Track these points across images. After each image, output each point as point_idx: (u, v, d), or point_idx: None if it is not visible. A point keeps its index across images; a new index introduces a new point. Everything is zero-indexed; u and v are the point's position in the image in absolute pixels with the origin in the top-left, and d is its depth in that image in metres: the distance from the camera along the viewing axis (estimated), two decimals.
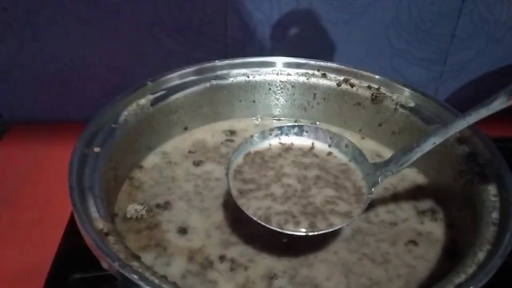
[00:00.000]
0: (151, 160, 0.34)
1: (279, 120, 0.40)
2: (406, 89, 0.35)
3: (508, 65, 0.65)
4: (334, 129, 0.38)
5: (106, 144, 0.29)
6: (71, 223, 0.43)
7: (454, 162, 0.31)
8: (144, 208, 0.30)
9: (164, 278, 0.22)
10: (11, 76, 0.59)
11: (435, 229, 0.30)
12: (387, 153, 0.36)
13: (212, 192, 0.32)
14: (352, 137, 0.38)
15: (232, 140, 0.37)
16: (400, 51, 0.61)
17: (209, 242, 0.28)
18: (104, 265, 0.21)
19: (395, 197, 0.32)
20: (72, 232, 0.37)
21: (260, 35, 0.57)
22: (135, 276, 0.20)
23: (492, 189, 0.27)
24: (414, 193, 0.33)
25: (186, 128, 0.37)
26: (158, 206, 0.30)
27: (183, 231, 0.29)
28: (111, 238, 0.22)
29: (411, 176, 0.35)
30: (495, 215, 0.25)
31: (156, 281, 0.21)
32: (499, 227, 0.24)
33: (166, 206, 0.31)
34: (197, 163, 0.34)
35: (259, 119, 0.40)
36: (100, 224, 0.23)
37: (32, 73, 0.59)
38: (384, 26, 0.59)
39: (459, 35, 0.61)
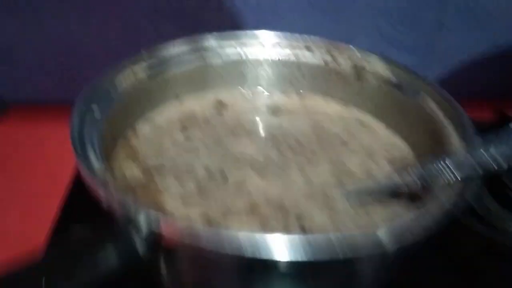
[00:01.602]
0: (144, 124, 0.37)
1: (267, 92, 0.42)
2: (388, 65, 0.38)
3: (494, 52, 0.67)
4: (320, 101, 0.41)
5: (103, 103, 0.31)
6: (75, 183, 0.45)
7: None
8: (138, 168, 0.32)
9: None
10: (11, 58, 0.61)
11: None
12: (368, 119, 0.39)
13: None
14: (336, 105, 0.40)
15: (221, 108, 0.39)
16: (388, 39, 0.63)
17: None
18: (105, 203, 0.23)
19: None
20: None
21: (253, 20, 0.59)
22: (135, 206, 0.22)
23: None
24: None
25: (177, 97, 0.39)
26: (151, 167, 0.33)
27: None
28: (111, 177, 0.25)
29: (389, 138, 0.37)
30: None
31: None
32: None
33: (158, 168, 0.33)
34: (184, 130, 0.36)
35: (248, 92, 0.42)
36: (101, 166, 0.25)
37: (31, 55, 0.61)
38: (372, 13, 0.61)
39: (446, 22, 0.63)
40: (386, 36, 0.62)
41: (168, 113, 0.38)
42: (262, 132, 0.38)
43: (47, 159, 0.54)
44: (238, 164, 0.33)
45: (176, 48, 0.38)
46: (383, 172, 0.34)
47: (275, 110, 0.40)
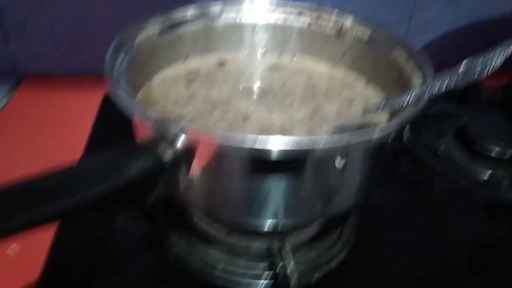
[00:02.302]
0: (158, 78, 0.43)
1: (264, 54, 0.48)
2: (362, 23, 0.44)
3: (466, 25, 0.74)
4: (308, 61, 0.48)
5: (126, 57, 0.37)
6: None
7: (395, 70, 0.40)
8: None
9: None
10: (26, 31, 0.66)
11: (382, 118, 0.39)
12: (351, 76, 0.46)
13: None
14: (324, 66, 0.47)
15: (223, 66, 0.46)
16: (368, 11, 0.69)
17: None
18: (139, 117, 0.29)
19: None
20: None
21: None
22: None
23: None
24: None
25: (186, 57, 0.46)
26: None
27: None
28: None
29: (366, 91, 0.44)
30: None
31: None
32: None
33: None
34: (188, 81, 0.43)
35: (246, 53, 0.48)
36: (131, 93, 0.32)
37: (44, 28, 0.66)
38: None
39: None
40: (366, 8, 0.68)
41: (176, 69, 0.44)
42: (258, 81, 0.45)
43: (60, 123, 0.60)
44: (233, 98, 0.40)
45: (185, 13, 0.44)
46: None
47: (272, 68, 0.47)
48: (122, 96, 0.31)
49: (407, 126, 0.50)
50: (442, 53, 0.74)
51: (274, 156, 0.28)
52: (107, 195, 0.27)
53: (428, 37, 0.74)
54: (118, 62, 0.36)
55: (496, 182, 0.48)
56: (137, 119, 0.30)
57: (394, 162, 0.50)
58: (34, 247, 0.40)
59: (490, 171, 0.51)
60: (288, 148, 0.28)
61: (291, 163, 0.30)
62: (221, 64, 0.46)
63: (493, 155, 0.51)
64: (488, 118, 0.56)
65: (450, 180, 0.50)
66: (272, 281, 0.38)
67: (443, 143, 0.55)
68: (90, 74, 0.69)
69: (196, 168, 0.31)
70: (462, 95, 0.62)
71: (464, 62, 0.32)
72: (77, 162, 0.28)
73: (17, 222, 0.24)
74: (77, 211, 0.27)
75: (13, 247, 0.42)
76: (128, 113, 0.30)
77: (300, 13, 0.47)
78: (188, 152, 0.30)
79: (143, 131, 0.33)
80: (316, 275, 0.39)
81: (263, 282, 0.38)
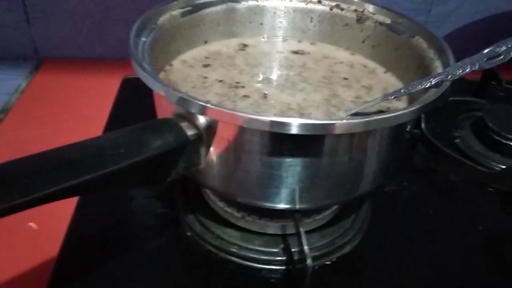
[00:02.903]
0: (178, 61, 0.43)
1: (284, 39, 0.49)
2: (383, 9, 0.44)
3: (486, 17, 0.73)
4: (328, 47, 0.48)
5: (149, 38, 0.38)
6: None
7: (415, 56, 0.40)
8: None
9: None
10: (47, 15, 0.67)
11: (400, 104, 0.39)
12: (371, 64, 0.46)
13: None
14: (343, 52, 0.47)
15: (244, 50, 0.46)
16: (389, 2, 0.69)
17: None
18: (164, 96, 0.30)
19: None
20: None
21: None
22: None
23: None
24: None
25: (206, 42, 0.46)
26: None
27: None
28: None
29: (385, 78, 0.44)
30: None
31: None
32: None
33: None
34: (206, 66, 0.43)
35: (266, 38, 0.48)
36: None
37: (65, 13, 0.67)
38: None
39: None
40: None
41: (198, 51, 0.45)
42: (277, 66, 0.46)
43: (80, 105, 0.61)
44: (252, 82, 0.41)
45: None
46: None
47: (292, 53, 0.47)
48: (148, 74, 0.31)
49: (424, 115, 0.50)
50: (462, 45, 0.73)
51: (293, 138, 0.28)
52: (132, 169, 0.27)
53: (447, 28, 0.73)
54: (141, 42, 0.37)
55: None
56: (161, 96, 0.31)
57: (411, 150, 0.50)
58: (54, 224, 0.41)
59: (506, 161, 0.51)
60: (307, 130, 0.28)
61: (309, 146, 0.31)
62: (242, 48, 0.47)
63: (510, 145, 0.51)
64: (505, 109, 0.55)
65: (466, 170, 0.50)
66: (287, 259, 0.39)
67: (460, 133, 0.55)
68: (109, 58, 0.70)
69: (217, 146, 0.31)
70: (480, 87, 0.61)
71: (488, 48, 0.31)
72: (103, 135, 0.28)
73: (40, 192, 0.24)
74: (101, 185, 0.28)
75: (32, 224, 0.43)
76: (154, 90, 0.31)
77: (319, 1, 0.47)
78: (210, 130, 0.30)
79: (166, 108, 0.33)
80: (330, 259, 0.40)
81: (279, 259, 0.39)
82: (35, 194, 0.23)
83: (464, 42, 0.74)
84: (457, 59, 0.36)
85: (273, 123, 0.28)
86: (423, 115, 0.49)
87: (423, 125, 0.52)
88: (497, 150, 0.52)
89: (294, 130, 0.28)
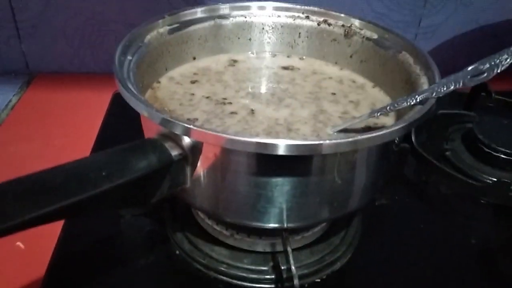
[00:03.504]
0: (166, 78, 0.43)
1: (273, 55, 0.49)
2: (370, 25, 0.44)
3: (475, 28, 0.74)
4: (317, 62, 0.48)
5: (135, 56, 0.38)
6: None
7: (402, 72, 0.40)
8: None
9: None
10: (38, 30, 0.67)
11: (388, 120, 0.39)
12: (359, 79, 0.46)
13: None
14: (332, 68, 0.47)
15: (233, 65, 0.46)
16: (379, 14, 0.70)
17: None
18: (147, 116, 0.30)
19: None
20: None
21: None
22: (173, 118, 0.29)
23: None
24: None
25: (194, 58, 0.46)
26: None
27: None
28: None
29: (373, 93, 0.44)
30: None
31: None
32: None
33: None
34: (193, 82, 0.43)
35: (255, 53, 0.49)
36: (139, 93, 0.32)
37: (56, 27, 0.67)
38: None
39: (431, 1, 0.70)
40: (377, 11, 0.69)
41: (186, 68, 0.45)
42: (266, 81, 0.46)
43: (70, 120, 0.61)
44: (241, 98, 0.41)
45: (193, 14, 0.45)
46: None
47: (280, 68, 0.47)
48: (131, 95, 0.31)
49: (414, 129, 0.50)
50: (452, 56, 0.74)
51: (279, 158, 0.28)
52: (115, 191, 0.27)
53: (438, 39, 0.74)
54: (127, 61, 0.37)
55: (503, 184, 0.48)
56: (145, 117, 0.31)
57: (401, 164, 0.50)
58: (42, 242, 0.41)
59: (497, 174, 0.51)
60: (293, 152, 0.28)
61: (296, 165, 0.31)
62: (232, 64, 0.47)
63: (500, 157, 0.51)
64: (495, 121, 0.55)
65: (457, 182, 0.50)
66: (276, 278, 0.38)
67: (451, 145, 0.55)
68: (100, 72, 0.70)
69: (202, 165, 0.31)
70: (470, 99, 0.62)
71: (472, 65, 0.32)
72: (86, 158, 0.28)
73: (23, 217, 0.24)
74: (84, 208, 0.28)
75: (19, 243, 0.42)
76: (136, 111, 0.31)
77: (307, 17, 0.47)
78: (195, 150, 0.30)
79: (151, 128, 0.33)
80: (320, 276, 0.39)
81: (268, 277, 0.38)
82: (14, 220, 0.23)
83: (453, 53, 0.74)
84: (447, 70, 0.36)
85: (258, 144, 0.28)
86: (413, 128, 0.49)
87: (413, 138, 0.52)
88: (487, 163, 0.52)
89: (280, 151, 0.28)
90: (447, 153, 0.54)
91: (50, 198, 0.24)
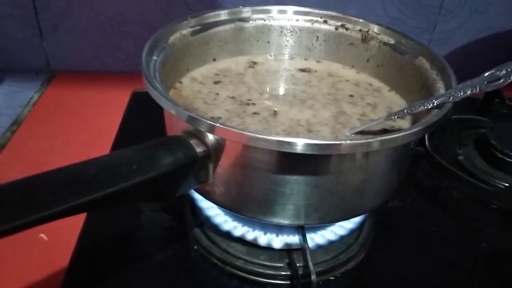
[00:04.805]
0: (188, 79, 0.45)
1: (291, 57, 0.50)
2: (388, 30, 0.45)
3: (489, 35, 0.74)
4: (334, 66, 0.49)
5: (160, 56, 0.39)
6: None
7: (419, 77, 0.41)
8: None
9: None
10: (60, 29, 0.68)
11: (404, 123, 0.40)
12: (376, 83, 0.47)
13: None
14: (349, 71, 0.48)
15: (253, 67, 0.47)
16: (394, 20, 0.71)
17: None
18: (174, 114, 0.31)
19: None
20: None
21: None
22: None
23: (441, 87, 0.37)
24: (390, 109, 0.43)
25: (214, 59, 0.48)
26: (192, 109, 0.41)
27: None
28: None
29: (390, 97, 0.45)
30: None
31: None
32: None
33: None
34: (216, 82, 0.44)
35: (273, 56, 0.50)
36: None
37: (77, 27, 0.68)
38: None
39: (446, 7, 0.70)
40: (392, 16, 0.70)
41: (207, 69, 0.46)
42: (285, 83, 0.47)
43: (90, 118, 0.62)
44: (262, 99, 0.43)
45: (216, 16, 0.46)
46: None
47: (299, 70, 0.48)
48: (159, 93, 0.32)
49: (428, 133, 0.50)
50: (465, 62, 0.74)
51: (298, 156, 0.29)
52: (143, 185, 0.28)
53: (452, 46, 0.74)
54: (153, 61, 0.38)
55: None
56: (171, 114, 0.32)
57: (415, 167, 0.51)
58: (65, 235, 0.42)
59: (510, 179, 0.51)
60: (312, 151, 0.29)
61: (315, 164, 0.32)
62: (251, 66, 0.48)
63: None
64: (508, 127, 0.56)
65: (469, 187, 0.50)
66: (292, 274, 0.39)
67: (464, 150, 0.55)
68: (119, 72, 0.72)
69: (224, 162, 0.32)
70: (484, 104, 0.62)
71: (488, 71, 0.32)
72: (116, 152, 0.29)
73: (60, 207, 0.25)
74: (115, 200, 0.29)
75: (42, 235, 0.44)
76: (158, 110, 0.32)
77: (325, 21, 0.48)
78: (218, 147, 0.31)
79: (176, 126, 0.34)
80: (334, 274, 0.40)
81: (283, 273, 0.39)
82: (51, 209, 0.25)
83: (467, 60, 0.75)
84: (461, 76, 0.37)
85: (278, 142, 0.29)
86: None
87: (427, 143, 0.52)
88: (500, 168, 0.53)
89: (298, 150, 0.29)
90: (460, 157, 0.54)
91: (85, 189, 0.26)
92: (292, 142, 0.29)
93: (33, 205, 0.24)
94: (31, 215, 0.24)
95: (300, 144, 0.29)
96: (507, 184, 0.50)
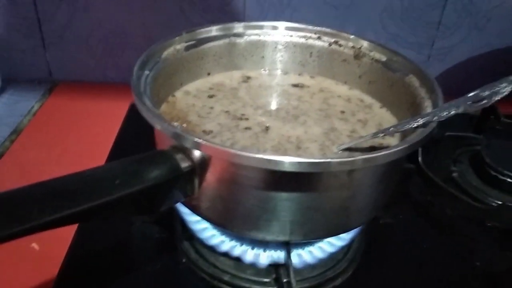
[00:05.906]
0: (181, 92, 0.45)
1: (284, 72, 0.50)
2: (379, 47, 0.46)
3: (489, 52, 0.74)
4: (327, 81, 0.50)
5: (152, 71, 0.40)
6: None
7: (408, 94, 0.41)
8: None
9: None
10: (63, 40, 0.70)
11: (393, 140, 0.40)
12: (367, 99, 0.47)
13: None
14: (342, 87, 0.49)
15: (247, 82, 0.48)
16: (392, 35, 0.71)
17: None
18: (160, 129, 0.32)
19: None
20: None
21: (272, 15, 0.67)
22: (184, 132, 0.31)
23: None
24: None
25: (209, 74, 0.48)
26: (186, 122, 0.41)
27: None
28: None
29: (381, 113, 0.45)
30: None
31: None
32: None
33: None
34: (211, 96, 0.45)
35: (267, 71, 0.50)
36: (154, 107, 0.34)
37: (80, 38, 0.70)
38: (379, 12, 0.69)
39: (445, 23, 0.71)
40: (391, 32, 0.70)
41: (201, 83, 0.47)
42: (278, 98, 0.47)
43: (89, 129, 0.63)
44: (254, 114, 0.43)
45: (209, 32, 0.47)
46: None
47: (292, 86, 0.49)
48: (145, 108, 0.33)
49: (421, 149, 0.50)
50: (464, 78, 0.74)
51: (284, 173, 0.30)
52: (126, 199, 0.29)
53: (451, 62, 0.74)
54: (144, 75, 0.39)
55: (509, 208, 0.48)
56: (157, 130, 0.33)
57: (406, 183, 0.51)
58: (56, 245, 0.43)
59: (504, 197, 0.51)
60: (296, 168, 0.29)
61: (299, 182, 0.32)
62: (245, 81, 0.49)
63: (507, 181, 0.51)
64: (503, 145, 0.56)
65: (463, 205, 0.50)
66: None
67: (458, 167, 0.55)
68: (120, 83, 0.73)
69: (210, 177, 0.33)
70: (479, 122, 0.62)
71: (473, 92, 0.33)
72: (101, 166, 0.30)
73: (41, 220, 0.26)
74: (97, 214, 0.29)
75: (34, 244, 0.44)
76: (150, 124, 0.33)
77: (319, 38, 0.49)
78: (204, 163, 0.32)
79: (164, 140, 0.35)
80: None
81: None
82: (33, 222, 0.25)
83: (466, 76, 0.75)
84: (459, 92, 0.37)
85: (262, 160, 0.29)
86: (420, 149, 0.50)
87: (420, 159, 0.52)
88: (494, 186, 0.52)
89: (283, 168, 0.29)
90: (454, 174, 0.54)
91: (66, 203, 0.26)
92: (275, 161, 0.30)
93: (15, 217, 0.25)
94: (13, 227, 0.24)
95: (285, 162, 0.29)
96: (500, 202, 0.50)
